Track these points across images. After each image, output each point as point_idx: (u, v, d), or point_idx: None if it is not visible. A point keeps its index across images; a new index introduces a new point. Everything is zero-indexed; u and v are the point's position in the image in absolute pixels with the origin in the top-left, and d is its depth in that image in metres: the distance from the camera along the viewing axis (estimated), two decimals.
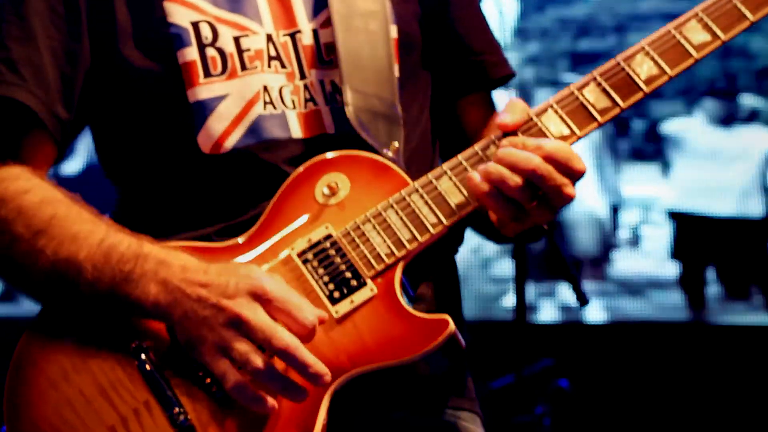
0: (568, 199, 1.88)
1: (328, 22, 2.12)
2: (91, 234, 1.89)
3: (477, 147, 1.98)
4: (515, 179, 1.85)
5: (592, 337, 6.44)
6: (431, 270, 2.15)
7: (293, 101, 2.09)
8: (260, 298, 1.79)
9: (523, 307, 5.10)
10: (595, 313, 6.39)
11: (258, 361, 1.78)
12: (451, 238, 2.18)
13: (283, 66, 2.09)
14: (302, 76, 2.10)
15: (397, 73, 2.14)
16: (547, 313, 6.39)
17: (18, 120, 2.03)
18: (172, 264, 1.85)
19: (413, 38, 2.19)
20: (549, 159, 1.86)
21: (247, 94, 2.07)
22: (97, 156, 2.24)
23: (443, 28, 2.25)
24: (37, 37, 2.03)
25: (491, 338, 4.98)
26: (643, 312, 6.77)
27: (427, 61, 2.26)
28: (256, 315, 1.78)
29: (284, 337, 1.77)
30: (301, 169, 2.02)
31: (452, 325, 1.86)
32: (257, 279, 1.81)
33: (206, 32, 2.05)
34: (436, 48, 2.26)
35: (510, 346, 5.03)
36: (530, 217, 1.91)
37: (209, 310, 1.79)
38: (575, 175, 1.88)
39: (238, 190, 2.06)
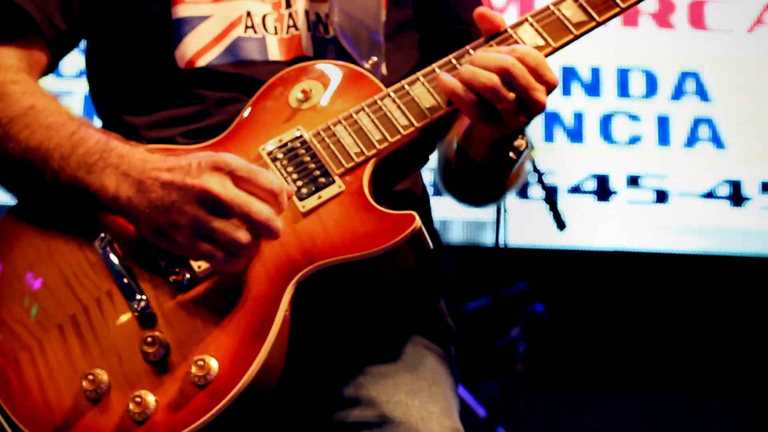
0: (540, 105, 1.93)
1: None
2: (64, 126, 1.95)
3: (452, 56, 2.05)
4: (487, 75, 1.90)
5: (569, 261, 6.56)
6: (401, 183, 2.23)
7: (275, 27, 2.20)
8: (223, 170, 1.81)
9: (501, 231, 5.29)
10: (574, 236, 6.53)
11: (243, 236, 1.81)
12: (422, 151, 2.25)
13: None
14: (288, 5, 2.21)
15: (383, 18, 2.23)
16: (524, 234, 6.54)
17: (15, 23, 2.11)
18: (133, 157, 1.89)
19: None
20: (521, 61, 1.91)
21: (230, 16, 2.18)
22: (87, 74, 2.34)
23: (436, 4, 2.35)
24: None
25: (469, 261, 5.10)
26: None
27: (417, 24, 2.34)
28: (225, 189, 1.80)
29: (262, 210, 1.81)
30: (276, 76, 2.10)
31: (418, 221, 1.90)
32: (217, 154, 1.84)
33: None
34: (427, 13, 2.34)
35: (487, 269, 5.16)
36: (503, 120, 1.95)
37: (176, 192, 1.81)
38: (547, 84, 1.93)
39: (208, 99, 2.14)
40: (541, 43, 2.02)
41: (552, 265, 6.50)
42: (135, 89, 2.21)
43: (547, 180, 5.45)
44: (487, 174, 2.17)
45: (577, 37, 2.04)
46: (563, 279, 6.55)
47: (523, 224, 6.59)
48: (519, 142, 2.08)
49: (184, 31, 2.16)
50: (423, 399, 2.11)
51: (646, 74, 6.98)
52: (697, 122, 6.95)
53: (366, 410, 2.08)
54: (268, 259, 1.90)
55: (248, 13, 2.19)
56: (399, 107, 2.01)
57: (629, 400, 6.55)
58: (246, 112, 2.07)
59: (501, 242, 5.16)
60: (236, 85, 2.14)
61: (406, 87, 2.03)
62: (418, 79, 2.04)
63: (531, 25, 2.03)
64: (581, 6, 2.04)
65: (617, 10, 2.05)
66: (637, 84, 6.99)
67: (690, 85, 6.98)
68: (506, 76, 1.90)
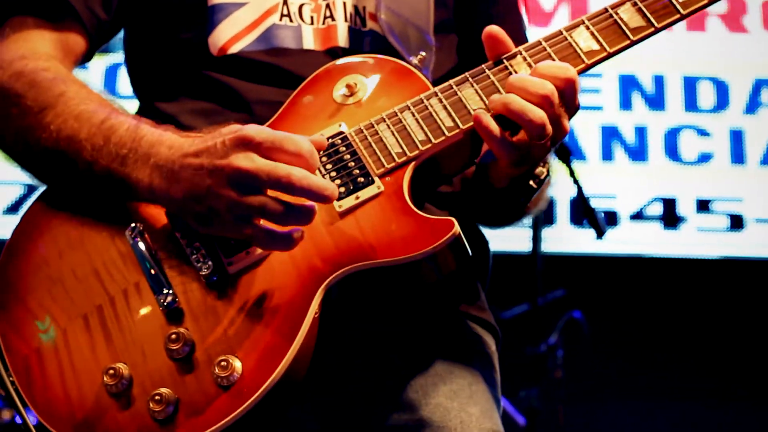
0: (565, 132, 2.08)
1: None
2: (94, 114, 2.10)
3: (503, 56, 2.17)
4: (538, 112, 2.02)
5: (607, 268, 6.80)
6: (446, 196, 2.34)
7: (312, 17, 2.38)
8: (249, 144, 1.93)
9: (538, 239, 5.64)
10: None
11: (277, 206, 1.93)
12: (467, 154, 2.26)
13: None
14: None
15: (432, 18, 2.40)
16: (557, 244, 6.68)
17: (53, 10, 2.32)
18: (162, 145, 2.03)
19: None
20: (566, 85, 2.05)
21: (266, 4, 2.37)
22: (126, 64, 2.56)
23: (481, 3, 2.56)
24: None
25: (506, 269, 5.46)
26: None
27: (457, 27, 2.54)
28: (254, 163, 1.91)
29: (293, 172, 1.91)
30: (320, 69, 2.25)
31: (457, 227, 2.00)
32: (239, 128, 1.95)
33: None
34: (467, 20, 2.53)
35: (524, 277, 5.41)
36: (531, 151, 2.09)
37: (209, 177, 1.94)
38: (575, 109, 2.10)
39: (241, 91, 2.31)
40: (596, 47, 2.15)
41: (590, 273, 6.72)
42: (170, 77, 2.40)
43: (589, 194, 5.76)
44: (506, 201, 2.31)
45: (633, 43, 2.15)
46: (602, 286, 6.75)
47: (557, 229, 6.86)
48: (540, 170, 2.21)
49: (218, 18, 2.35)
50: (462, 400, 2.24)
51: (716, 83, 7.15)
52: None
53: (404, 414, 2.21)
54: (301, 259, 2.04)
55: (285, 2, 2.38)
56: (445, 107, 2.13)
57: (668, 408, 6.74)
58: (288, 105, 2.22)
59: (539, 250, 5.50)
60: (269, 75, 2.31)
61: (454, 87, 2.15)
62: (467, 79, 2.15)
63: (587, 27, 2.16)
64: (640, 10, 2.16)
65: (677, 16, 2.17)
66: (706, 95, 7.15)
67: (766, 96, 7.15)
68: (546, 104, 2.04)
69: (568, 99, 2.06)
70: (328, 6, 2.41)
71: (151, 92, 2.46)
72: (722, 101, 7.16)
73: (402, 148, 2.12)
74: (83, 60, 2.39)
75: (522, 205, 2.30)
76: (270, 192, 1.94)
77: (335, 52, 2.36)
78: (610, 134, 7.12)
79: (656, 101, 7.17)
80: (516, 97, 2.04)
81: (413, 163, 2.12)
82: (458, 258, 2.06)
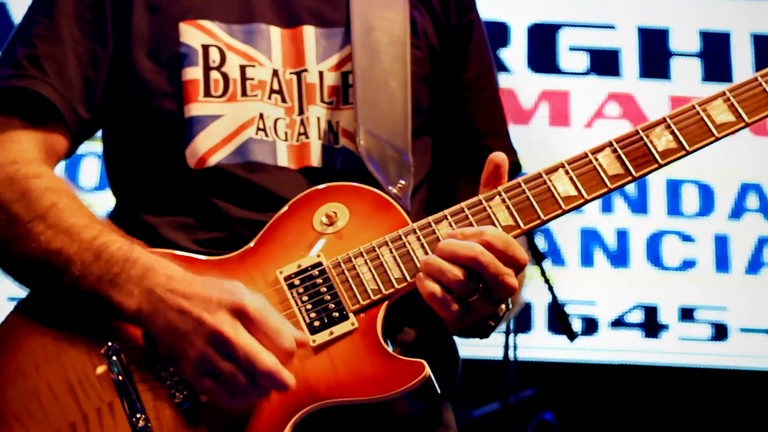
0: (510, 290, 2.11)
1: (335, 67, 2.50)
2: (85, 229, 2.18)
3: (481, 196, 2.23)
4: (455, 272, 2.10)
5: (581, 373, 6.79)
6: (420, 319, 2.39)
7: (286, 133, 2.43)
8: (240, 315, 2.04)
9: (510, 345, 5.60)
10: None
11: (241, 381, 2.03)
12: None
13: (283, 100, 2.46)
14: (300, 112, 2.46)
15: (410, 136, 2.47)
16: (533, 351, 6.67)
17: (38, 111, 2.37)
18: (159, 272, 2.12)
19: (421, 101, 2.55)
20: (489, 246, 2.09)
21: (242, 117, 2.42)
22: (104, 163, 2.61)
23: (454, 102, 2.61)
24: (64, 39, 2.43)
25: (478, 371, 5.42)
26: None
27: (432, 130, 2.61)
28: (237, 334, 2.03)
29: (266, 360, 2.02)
30: (302, 194, 2.31)
31: (427, 370, 2.09)
32: (239, 295, 2.06)
33: (214, 56, 2.44)
34: (441, 119, 2.62)
35: (497, 379, 5.43)
36: (471, 312, 2.15)
37: (191, 323, 2.05)
38: (517, 265, 2.12)
39: (222, 208, 2.37)
40: (574, 193, 2.21)
41: (564, 376, 6.73)
42: (150, 187, 2.45)
43: (560, 295, 5.70)
44: (468, 333, 2.39)
45: (611, 191, 2.22)
46: (572, 389, 6.73)
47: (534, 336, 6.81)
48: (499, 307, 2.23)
49: (195, 130, 2.40)
50: None
51: (701, 187, 7.13)
52: (762, 244, 7.06)
53: None
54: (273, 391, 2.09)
55: (261, 116, 2.43)
56: (423, 246, 2.20)
57: None
58: (268, 229, 2.29)
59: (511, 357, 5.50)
60: (246, 193, 2.37)
61: (433, 225, 2.21)
62: (445, 217, 2.22)
63: (566, 172, 2.22)
64: (619, 157, 2.22)
65: (655, 166, 2.22)
66: (690, 199, 7.12)
67: (752, 201, 7.11)
68: (476, 266, 2.08)
69: (501, 257, 2.11)
70: (302, 122, 2.46)
71: (131, 200, 2.50)
72: (707, 206, 7.13)
73: (378, 285, 2.19)
74: (64, 157, 2.46)
75: (491, 328, 2.33)
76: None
77: (308, 172, 2.42)
78: (591, 238, 7.08)
79: (639, 205, 7.13)
80: (435, 258, 2.13)
81: (387, 301, 2.19)
82: (427, 396, 2.16)
